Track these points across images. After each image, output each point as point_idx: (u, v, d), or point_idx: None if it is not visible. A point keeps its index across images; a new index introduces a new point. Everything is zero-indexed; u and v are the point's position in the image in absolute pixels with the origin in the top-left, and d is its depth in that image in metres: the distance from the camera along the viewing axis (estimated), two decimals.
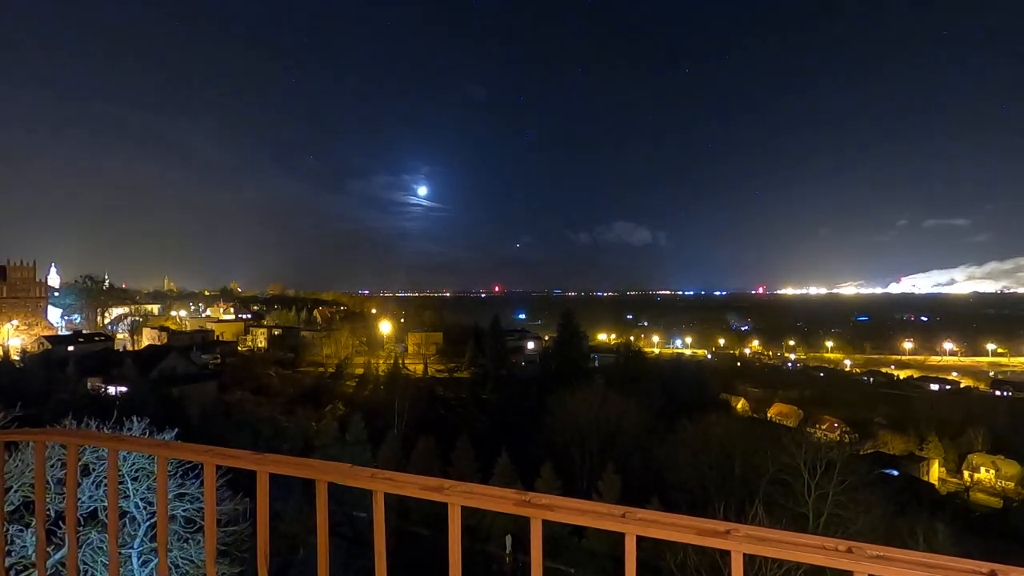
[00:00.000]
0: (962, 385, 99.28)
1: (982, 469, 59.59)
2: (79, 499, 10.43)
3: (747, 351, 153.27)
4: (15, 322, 79.05)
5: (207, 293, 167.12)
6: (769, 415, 73.34)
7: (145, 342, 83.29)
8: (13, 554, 9.52)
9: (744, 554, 1.37)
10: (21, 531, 9.90)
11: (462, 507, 1.65)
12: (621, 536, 1.48)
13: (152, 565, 11.63)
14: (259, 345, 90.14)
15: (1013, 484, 56.66)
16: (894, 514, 28.22)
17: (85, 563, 10.64)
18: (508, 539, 26.69)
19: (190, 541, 11.77)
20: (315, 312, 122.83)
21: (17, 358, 62.47)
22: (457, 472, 32.90)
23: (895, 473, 47.38)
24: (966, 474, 60.57)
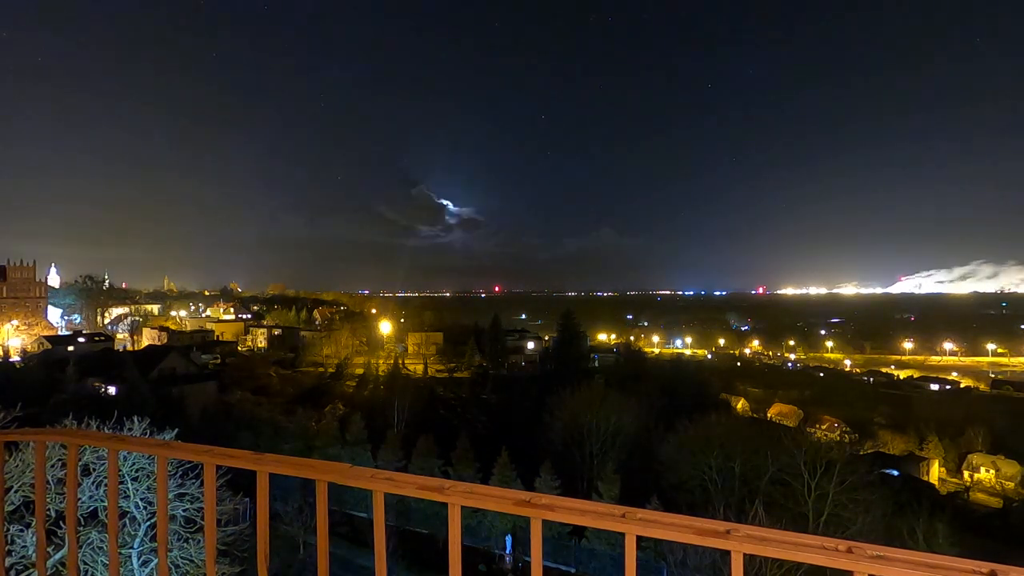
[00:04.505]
0: (962, 385, 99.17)
1: (982, 469, 59.55)
2: (79, 499, 10.42)
3: (747, 351, 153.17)
4: (15, 322, 79.04)
5: (207, 293, 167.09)
6: (769, 415, 73.28)
7: (145, 342, 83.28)
8: (13, 554, 9.52)
9: (744, 554, 1.37)
10: (21, 531, 9.90)
11: (462, 507, 1.65)
12: (621, 536, 1.48)
13: (152, 565, 11.63)
14: (259, 345, 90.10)
15: (1013, 484, 56.61)
16: (894, 514, 28.19)
17: (85, 563, 10.65)
18: (508, 539, 26.71)
19: (190, 541, 11.77)
20: (315, 312, 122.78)
21: (17, 358, 62.47)
22: (457, 472, 32.86)
23: (895, 473, 47.34)
24: (966, 474, 60.53)
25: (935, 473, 59.33)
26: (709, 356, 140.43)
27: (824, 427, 65.06)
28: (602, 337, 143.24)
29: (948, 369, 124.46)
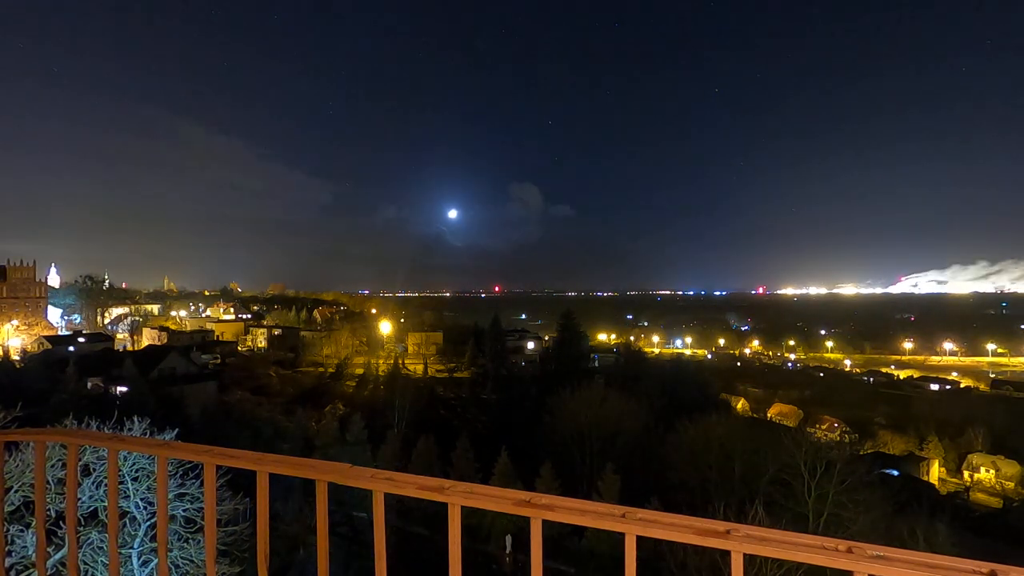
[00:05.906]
0: (962, 385, 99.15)
1: (982, 469, 59.54)
2: (79, 499, 10.42)
3: (747, 351, 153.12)
4: (15, 322, 79.01)
5: (207, 293, 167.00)
6: (769, 415, 73.25)
7: (145, 342, 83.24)
8: (13, 554, 9.52)
9: (744, 554, 1.37)
10: (21, 531, 9.90)
11: (462, 507, 1.65)
12: (621, 536, 1.47)
13: (152, 565, 11.63)
14: (259, 345, 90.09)
15: (1013, 484, 56.60)
16: (894, 514, 28.18)
17: (85, 563, 10.65)
18: (508, 539, 26.70)
19: (190, 541, 11.77)
20: (315, 312, 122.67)
21: (17, 358, 62.41)
22: (457, 472, 32.87)
23: (895, 473, 47.33)
24: (966, 474, 60.52)
25: (935, 473, 59.31)
26: (709, 356, 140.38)
27: (824, 427, 65.04)
28: (602, 337, 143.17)
29: (948, 369, 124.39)
